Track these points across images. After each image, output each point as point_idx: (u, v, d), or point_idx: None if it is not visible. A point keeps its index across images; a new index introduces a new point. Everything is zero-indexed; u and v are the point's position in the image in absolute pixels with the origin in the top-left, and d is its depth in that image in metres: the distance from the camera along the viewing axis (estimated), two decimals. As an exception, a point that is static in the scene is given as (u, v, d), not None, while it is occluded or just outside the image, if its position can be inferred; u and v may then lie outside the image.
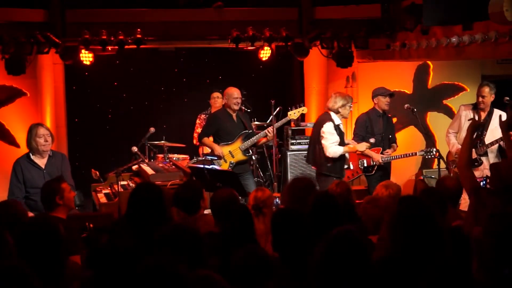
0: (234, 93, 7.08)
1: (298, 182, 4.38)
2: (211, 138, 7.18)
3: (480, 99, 6.79)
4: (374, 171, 7.09)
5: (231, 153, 7.02)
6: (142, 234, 3.44)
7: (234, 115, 7.13)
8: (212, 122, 7.18)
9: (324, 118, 6.49)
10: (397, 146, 7.30)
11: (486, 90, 6.75)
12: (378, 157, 7.01)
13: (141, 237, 3.36)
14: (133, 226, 3.63)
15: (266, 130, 7.05)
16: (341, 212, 3.66)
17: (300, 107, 7.34)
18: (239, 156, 7.04)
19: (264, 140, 7.24)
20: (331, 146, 6.34)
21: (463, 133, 6.84)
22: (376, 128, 7.09)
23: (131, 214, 3.74)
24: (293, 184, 4.37)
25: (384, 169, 7.11)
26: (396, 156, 7.26)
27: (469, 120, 6.32)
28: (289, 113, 7.28)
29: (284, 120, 7.26)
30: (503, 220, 2.70)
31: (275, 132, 6.97)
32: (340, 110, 6.46)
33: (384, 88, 7.18)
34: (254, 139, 7.05)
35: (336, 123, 6.43)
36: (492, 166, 3.56)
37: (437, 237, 2.77)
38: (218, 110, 7.37)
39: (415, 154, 7.27)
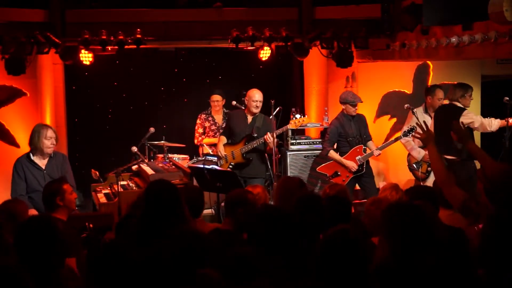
0: (256, 95, 7.05)
1: (288, 181, 4.40)
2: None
3: (440, 102, 7.16)
4: (364, 169, 7.18)
5: (233, 154, 7.05)
6: (160, 234, 3.37)
7: (250, 117, 7.14)
8: (227, 122, 7.43)
9: (453, 106, 6.76)
10: (373, 144, 7.42)
11: (442, 93, 7.23)
12: (351, 164, 7.17)
13: (158, 237, 3.30)
14: (150, 226, 3.55)
15: (264, 137, 6.92)
16: (326, 212, 3.63)
17: (303, 116, 7.41)
18: (239, 159, 7.05)
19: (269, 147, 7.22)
20: (491, 120, 6.64)
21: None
22: (349, 131, 7.23)
23: (149, 213, 3.65)
24: (284, 182, 4.39)
25: (368, 168, 7.32)
26: (381, 146, 7.43)
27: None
28: (290, 121, 7.33)
29: (284, 128, 7.28)
30: (498, 222, 2.71)
31: (274, 138, 6.87)
32: (460, 100, 6.73)
33: (352, 95, 7.24)
34: (254, 143, 7.01)
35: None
36: (480, 171, 3.59)
37: (431, 238, 2.79)
38: (236, 110, 7.42)
39: (399, 138, 7.31)
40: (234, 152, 7.04)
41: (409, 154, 7.55)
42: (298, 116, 7.42)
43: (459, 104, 6.77)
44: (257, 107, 7.04)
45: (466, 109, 6.74)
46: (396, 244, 2.80)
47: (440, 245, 2.87)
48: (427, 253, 2.69)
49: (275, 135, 6.88)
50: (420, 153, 7.33)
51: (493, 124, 6.76)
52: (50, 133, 5.83)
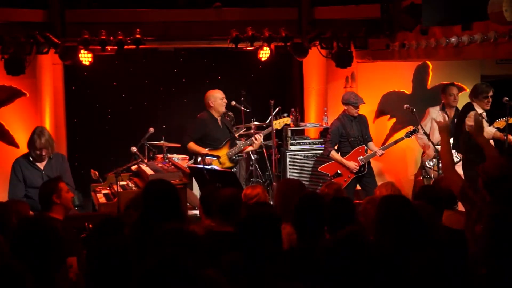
0: (219, 94, 6.98)
1: (288, 184, 4.40)
2: None
3: (452, 98, 7.40)
4: (365, 169, 7.19)
5: (218, 159, 6.93)
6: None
7: (219, 119, 7.04)
8: (199, 127, 6.98)
9: (467, 106, 6.99)
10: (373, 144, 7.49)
11: (456, 89, 7.49)
12: (352, 164, 7.18)
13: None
14: (148, 226, 3.52)
15: (252, 138, 6.93)
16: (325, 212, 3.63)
17: (284, 117, 7.43)
18: (226, 163, 6.95)
19: (249, 148, 7.19)
20: (486, 128, 6.68)
21: (436, 134, 7.14)
22: (350, 131, 7.25)
23: (147, 212, 3.62)
24: (284, 185, 4.40)
25: (369, 168, 7.35)
26: (385, 146, 7.50)
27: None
28: (274, 122, 7.30)
29: (269, 129, 7.26)
30: (502, 220, 2.71)
31: (261, 139, 6.94)
32: (474, 100, 6.94)
33: (355, 96, 7.26)
34: (240, 145, 6.94)
35: (479, 112, 6.80)
36: (479, 167, 3.66)
37: (422, 233, 2.81)
38: (203, 114, 7.07)
39: (402, 139, 7.34)
40: (221, 157, 6.93)
41: (423, 153, 7.59)
42: (279, 116, 7.50)
43: (475, 105, 6.93)
44: (225, 103, 6.99)
45: (474, 110, 6.82)
46: (386, 238, 2.82)
47: (439, 245, 2.88)
48: (421, 251, 2.70)
49: (262, 136, 6.98)
50: (432, 150, 7.37)
51: (485, 131, 6.80)
52: (43, 144, 5.81)
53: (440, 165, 7.26)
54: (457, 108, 7.48)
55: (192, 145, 6.92)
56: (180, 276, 2.28)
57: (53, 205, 4.42)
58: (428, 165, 7.46)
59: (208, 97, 7.00)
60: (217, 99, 6.94)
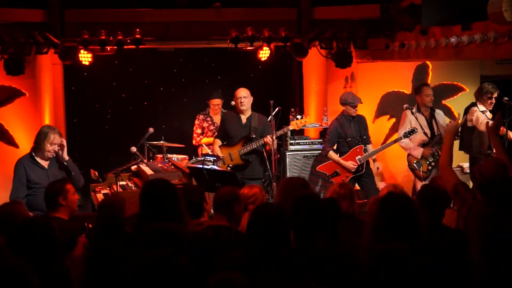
0: (239, 93, 7.10)
1: (292, 181, 4.41)
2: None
3: (429, 98, 7.40)
4: (364, 169, 7.20)
5: (230, 155, 6.98)
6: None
7: (243, 117, 7.09)
8: (221, 124, 7.47)
9: (471, 104, 7.26)
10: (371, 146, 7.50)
11: (431, 89, 7.50)
12: (349, 164, 7.21)
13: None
14: (147, 224, 3.50)
15: (264, 140, 6.92)
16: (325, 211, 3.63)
17: (302, 118, 7.46)
18: (237, 160, 7.00)
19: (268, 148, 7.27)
20: (483, 121, 6.88)
21: (418, 135, 7.27)
22: (348, 131, 7.27)
23: (145, 212, 3.61)
24: (287, 183, 4.40)
25: (367, 168, 7.37)
26: (381, 147, 7.52)
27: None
28: (291, 122, 7.35)
29: (285, 129, 7.34)
30: (490, 221, 2.72)
31: (274, 139, 6.91)
32: (478, 99, 7.15)
33: (352, 96, 7.28)
34: (253, 144, 6.99)
35: (481, 110, 7.04)
36: (475, 168, 3.71)
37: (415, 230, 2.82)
38: (228, 111, 7.52)
39: (400, 139, 7.36)
40: (232, 154, 6.99)
41: (409, 155, 7.57)
42: (299, 117, 7.46)
43: (478, 104, 7.11)
44: (241, 103, 7.02)
45: (475, 105, 7.05)
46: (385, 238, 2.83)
47: (441, 247, 2.88)
48: (422, 253, 2.70)
49: (275, 137, 6.91)
50: (419, 152, 7.38)
51: (482, 124, 6.89)
52: (56, 139, 5.82)
53: (429, 167, 7.31)
54: (432, 108, 7.49)
55: (214, 141, 7.27)
56: (173, 276, 2.29)
57: (59, 206, 4.49)
58: (416, 167, 7.46)
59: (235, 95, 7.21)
60: (235, 97, 7.14)
